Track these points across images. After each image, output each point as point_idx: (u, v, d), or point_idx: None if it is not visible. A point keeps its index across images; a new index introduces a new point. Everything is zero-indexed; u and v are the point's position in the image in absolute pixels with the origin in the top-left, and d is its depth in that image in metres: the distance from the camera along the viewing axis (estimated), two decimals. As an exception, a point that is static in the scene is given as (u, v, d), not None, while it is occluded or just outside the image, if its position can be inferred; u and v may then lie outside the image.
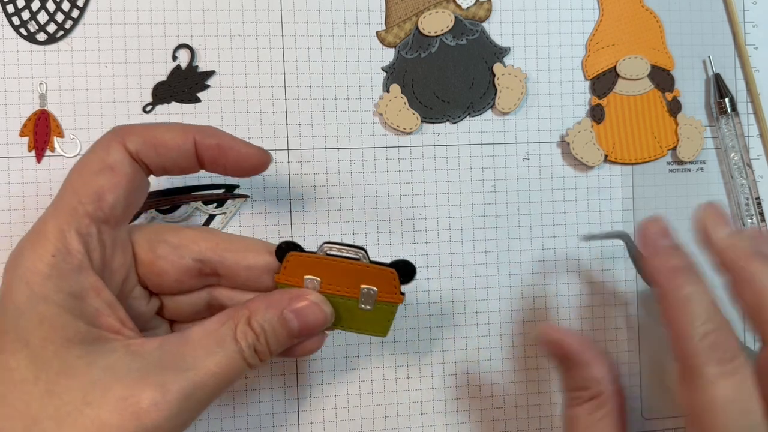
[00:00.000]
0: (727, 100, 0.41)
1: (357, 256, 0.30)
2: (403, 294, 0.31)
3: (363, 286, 0.31)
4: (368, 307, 0.31)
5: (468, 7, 0.39)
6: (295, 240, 0.38)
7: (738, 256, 0.29)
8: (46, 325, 0.26)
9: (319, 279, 0.31)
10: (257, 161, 0.31)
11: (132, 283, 0.30)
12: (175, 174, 0.31)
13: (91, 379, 0.26)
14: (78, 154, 0.37)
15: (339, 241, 0.35)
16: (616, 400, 0.33)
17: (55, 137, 0.37)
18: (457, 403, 0.40)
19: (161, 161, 0.30)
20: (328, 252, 0.31)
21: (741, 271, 0.29)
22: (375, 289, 0.31)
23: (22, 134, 0.36)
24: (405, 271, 0.31)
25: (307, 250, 0.31)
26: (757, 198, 0.41)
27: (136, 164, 0.29)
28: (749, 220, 0.41)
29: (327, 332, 0.33)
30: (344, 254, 0.30)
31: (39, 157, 0.37)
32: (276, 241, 0.38)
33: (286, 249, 0.31)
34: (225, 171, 0.31)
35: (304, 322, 0.30)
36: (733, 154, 0.41)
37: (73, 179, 0.29)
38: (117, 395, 0.26)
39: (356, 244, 0.31)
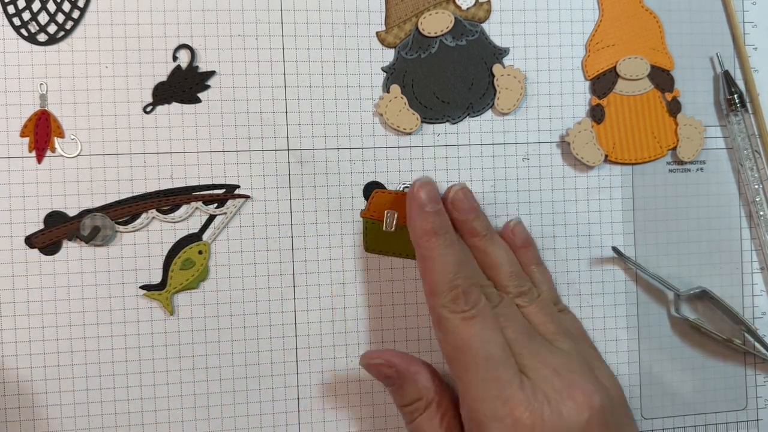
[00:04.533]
0: (736, 96, 0.41)
1: None
2: None
3: None
4: None
5: (468, 8, 0.39)
6: (295, 242, 0.38)
7: (417, 236, 0.35)
8: None
9: (396, 213, 0.37)
10: None
11: None
12: None
13: None
14: (78, 155, 0.37)
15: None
16: (450, 398, 0.35)
17: (55, 137, 0.37)
18: (457, 402, 0.40)
19: None
20: (404, 189, 0.38)
21: (418, 249, 0.35)
22: None
23: (22, 135, 0.37)
24: None
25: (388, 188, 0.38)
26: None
27: None
28: (761, 213, 0.41)
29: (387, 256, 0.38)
30: None
31: (39, 158, 0.37)
32: (276, 242, 0.38)
33: (372, 187, 0.37)
34: None
35: None
36: (745, 150, 0.41)
37: None
38: None
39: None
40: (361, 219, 0.38)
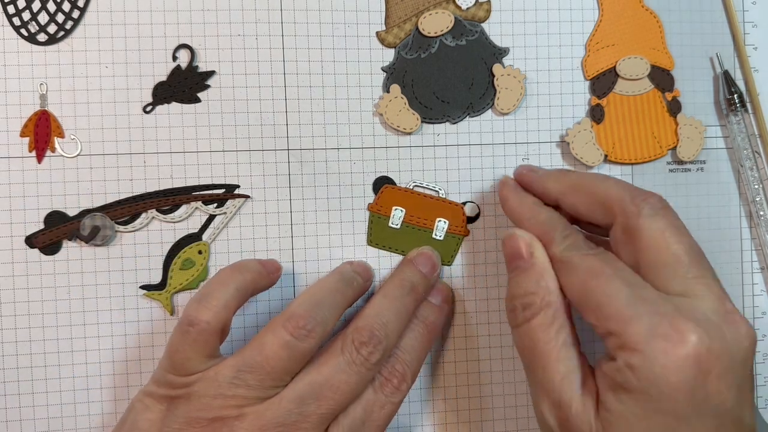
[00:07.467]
0: (736, 96, 0.41)
1: (435, 189, 0.39)
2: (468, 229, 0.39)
3: (438, 218, 0.38)
4: (440, 237, 0.38)
5: (467, 8, 0.39)
6: (295, 242, 0.38)
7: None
8: None
9: (404, 210, 0.38)
10: None
11: None
12: None
13: None
14: (78, 155, 0.37)
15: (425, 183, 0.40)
16: (568, 316, 0.33)
17: (55, 137, 0.37)
18: (457, 402, 0.40)
19: None
20: (414, 187, 0.38)
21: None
22: (447, 221, 0.38)
23: (22, 135, 0.37)
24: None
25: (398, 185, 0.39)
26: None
27: None
28: (761, 213, 0.41)
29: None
30: (425, 188, 0.39)
31: (39, 158, 0.37)
32: (276, 242, 0.38)
33: (382, 181, 0.38)
34: None
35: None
36: (745, 150, 0.41)
37: None
38: None
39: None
40: (368, 212, 0.39)
